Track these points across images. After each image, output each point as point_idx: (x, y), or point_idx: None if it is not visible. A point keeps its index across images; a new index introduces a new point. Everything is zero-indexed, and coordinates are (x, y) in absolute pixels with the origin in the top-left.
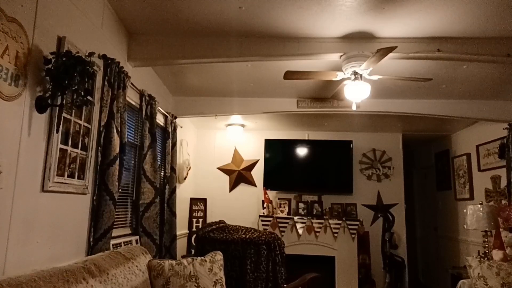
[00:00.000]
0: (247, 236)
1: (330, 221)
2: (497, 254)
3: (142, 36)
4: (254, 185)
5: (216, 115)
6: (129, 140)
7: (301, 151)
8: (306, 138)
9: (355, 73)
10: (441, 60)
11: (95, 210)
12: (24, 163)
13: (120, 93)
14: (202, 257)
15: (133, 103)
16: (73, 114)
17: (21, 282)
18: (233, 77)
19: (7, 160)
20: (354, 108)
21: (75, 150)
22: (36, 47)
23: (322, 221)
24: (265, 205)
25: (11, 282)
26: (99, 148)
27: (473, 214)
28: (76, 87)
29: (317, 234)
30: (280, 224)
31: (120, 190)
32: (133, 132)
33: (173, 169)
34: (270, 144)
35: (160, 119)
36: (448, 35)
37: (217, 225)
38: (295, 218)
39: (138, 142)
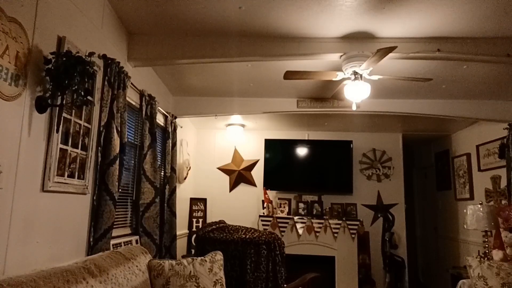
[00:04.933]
0: (247, 236)
1: (330, 221)
2: (497, 254)
3: (142, 36)
4: (254, 185)
5: (216, 115)
6: (129, 140)
7: (301, 151)
8: (306, 138)
9: (355, 73)
10: (441, 60)
11: (95, 210)
12: (24, 163)
13: (120, 93)
14: (202, 257)
15: (133, 103)
16: (73, 114)
17: (21, 282)
18: (233, 77)
19: (7, 160)
20: (354, 108)
21: (75, 150)
22: (36, 47)
23: (322, 221)
24: (265, 205)
25: (11, 282)
26: (99, 148)
27: (473, 214)
28: (76, 87)
29: (317, 234)
30: (280, 224)
31: (120, 190)
32: (133, 132)
33: (173, 169)
34: (270, 144)
35: (160, 119)
36: (448, 35)
37: (217, 225)
38: (295, 218)
39: (138, 142)
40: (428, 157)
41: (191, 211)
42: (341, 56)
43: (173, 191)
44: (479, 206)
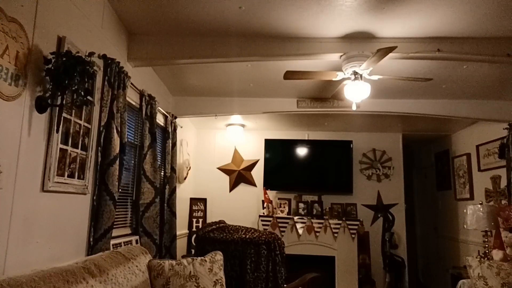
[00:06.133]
0: (247, 236)
1: (330, 221)
2: (497, 254)
3: (142, 36)
4: (254, 185)
5: (216, 115)
6: (129, 140)
7: (301, 151)
8: (306, 138)
9: (355, 73)
10: (441, 60)
11: (95, 210)
12: (24, 163)
13: (120, 93)
14: (202, 257)
15: (133, 103)
16: (73, 114)
17: (21, 282)
18: (233, 77)
19: (7, 160)
20: (354, 108)
21: (75, 150)
22: (36, 47)
23: (322, 221)
24: (265, 205)
25: (11, 282)
26: (99, 148)
27: (473, 214)
28: (76, 87)
29: (317, 234)
30: (280, 224)
31: (120, 190)
32: (133, 132)
33: (173, 169)
34: (270, 144)
35: (160, 119)
36: (448, 35)
37: (217, 225)
38: (295, 218)
39: (138, 142)
40: (428, 157)
41: (191, 211)
42: (341, 56)
43: (173, 191)
44: (479, 206)
